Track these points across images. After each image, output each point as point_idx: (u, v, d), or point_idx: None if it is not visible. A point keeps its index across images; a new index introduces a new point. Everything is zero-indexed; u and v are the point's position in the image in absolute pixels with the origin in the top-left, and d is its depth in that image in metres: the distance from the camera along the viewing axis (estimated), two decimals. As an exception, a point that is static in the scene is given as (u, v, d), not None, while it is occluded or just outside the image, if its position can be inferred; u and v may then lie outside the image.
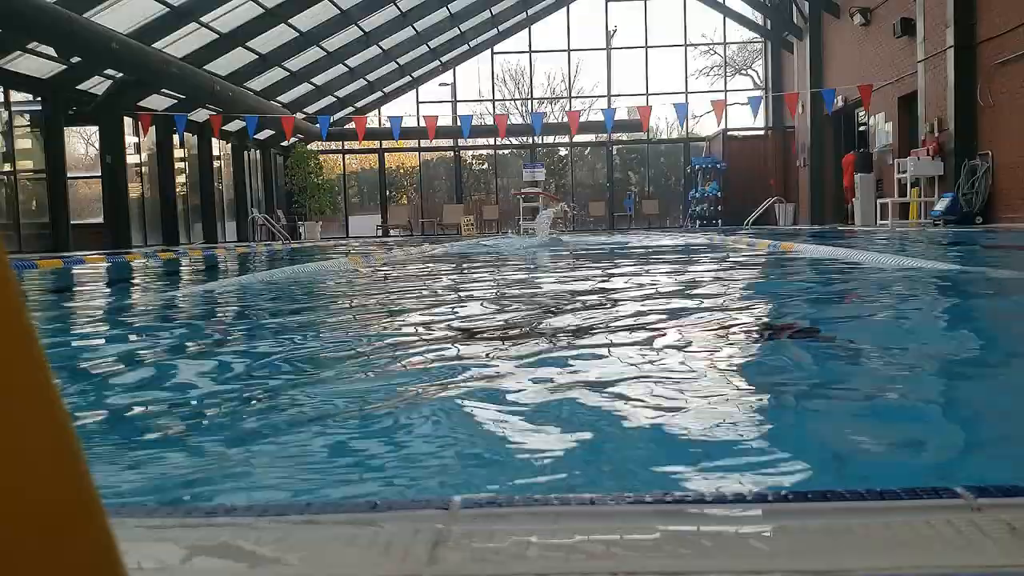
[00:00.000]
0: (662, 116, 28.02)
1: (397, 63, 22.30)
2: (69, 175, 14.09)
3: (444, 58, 23.91)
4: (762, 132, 23.40)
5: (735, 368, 2.25)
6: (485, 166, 26.79)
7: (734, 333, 2.88)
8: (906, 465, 1.42)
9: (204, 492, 1.32)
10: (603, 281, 5.35)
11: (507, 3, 22.33)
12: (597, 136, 25.99)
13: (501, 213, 24.74)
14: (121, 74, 13.68)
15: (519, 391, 1.94)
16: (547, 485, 1.29)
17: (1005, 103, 12.08)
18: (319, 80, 20.64)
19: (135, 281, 7.73)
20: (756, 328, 3.08)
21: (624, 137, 26.58)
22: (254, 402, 2.00)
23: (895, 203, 14.66)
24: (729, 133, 23.40)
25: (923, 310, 3.73)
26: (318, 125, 19.06)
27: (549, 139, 27.13)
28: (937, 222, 12.94)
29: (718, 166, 22.80)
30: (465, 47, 23.95)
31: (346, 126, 23.04)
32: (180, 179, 18.28)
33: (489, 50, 24.73)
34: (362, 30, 18.58)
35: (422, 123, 20.90)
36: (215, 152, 19.72)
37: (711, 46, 26.34)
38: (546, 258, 8.90)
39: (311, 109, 21.77)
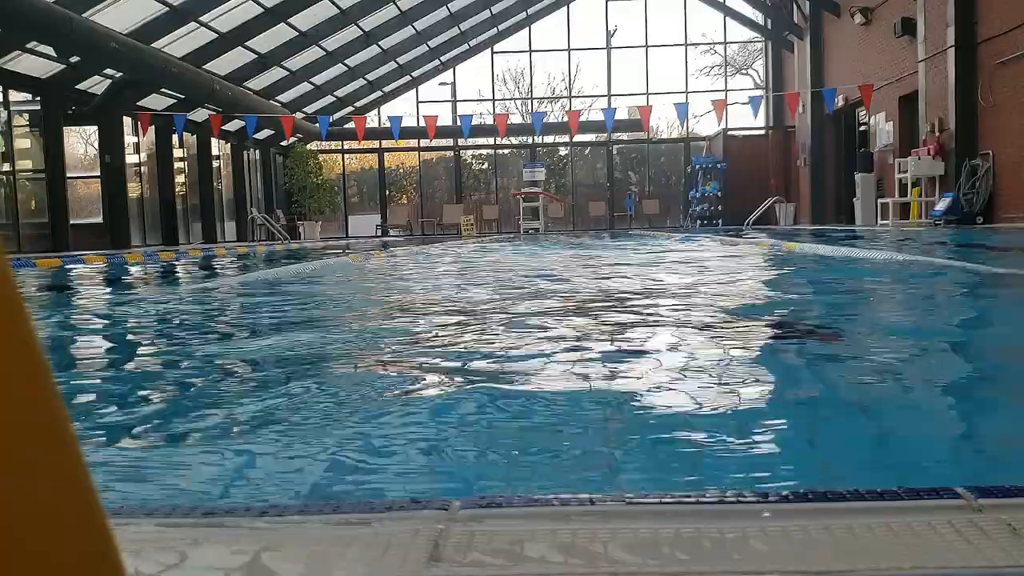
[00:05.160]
0: (662, 116, 28.02)
1: (397, 63, 22.28)
2: (68, 175, 14.07)
3: (444, 57, 23.89)
4: (762, 132, 23.38)
5: (737, 368, 2.25)
6: (485, 166, 26.77)
7: (742, 332, 2.88)
8: (907, 465, 1.42)
9: (202, 492, 1.32)
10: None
11: (507, 3, 22.31)
12: (597, 136, 25.97)
13: (501, 213, 24.75)
14: (120, 74, 13.67)
15: (513, 389, 1.93)
16: (546, 485, 1.29)
17: (1006, 103, 12.08)
18: (319, 80, 20.63)
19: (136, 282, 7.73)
20: (768, 328, 3.08)
21: (624, 137, 26.56)
22: (252, 401, 2.00)
23: (896, 203, 14.66)
24: (729, 133, 23.38)
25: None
26: (318, 125, 19.05)
27: (549, 139, 27.10)
28: (938, 222, 12.93)
29: (718, 166, 22.78)
30: (465, 46, 23.93)
31: (346, 126, 23.02)
32: (180, 179, 18.27)
33: (489, 50, 24.72)
34: (362, 30, 18.57)
35: (422, 123, 20.88)
36: (215, 152, 19.70)
37: (711, 45, 26.32)
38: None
39: (311, 109, 21.75)
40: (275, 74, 18.79)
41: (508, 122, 21.88)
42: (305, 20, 16.55)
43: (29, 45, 12.21)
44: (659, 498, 0.91)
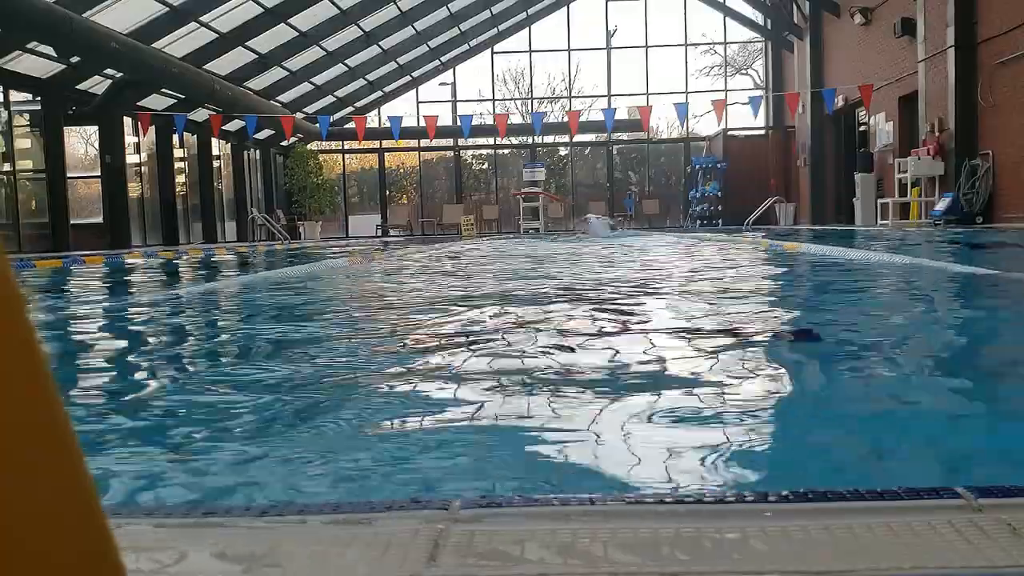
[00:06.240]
0: (662, 116, 28.02)
1: (397, 63, 22.29)
2: (69, 175, 14.07)
3: (444, 58, 23.90)
4: (762, 132, 23.38)
5: (735, 369, 2.25)
6: (485, 166, 26.77)
7: (738, 335, 2.88)
8: (907, 465, 1.42)
9: (201, 492, 1.32)
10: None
11: (507, 3, 22.31)
12: (597, 136, 25.97)
13: (501, 213, 24.76)
14: (121, 74, 13.67)
15: (510, 388, 1.93)
16: (546, 485, 1.28)
17: (1006, 103, 12.07)
18: (319, 80, 20.63)
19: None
20: (762, 331, 3.08)
21: (624, 137, 26.56)
22: (253, 401, 2.00)
23: (895, 203, 14.66)
24: (729, 133, 23.38)
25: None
26: (318, 125, 19.05)
27: (549, 139, 27.11)
28: (937, 222, 12.93)
29: (718, 166, 22.78)
30: (465, 47, 23.93)
31: (346, 126, 23.03)
32: (180, 179, 18.27)
33: (489, 50, 24.72)
34: (362, 30, 18.57)
35: (422, 123, 20.89)
36: (215, 152, 19.71)
37: (711, 46, 26.33)
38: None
39: (311, 109, 21.75)
40: (275, 74, 18.80)
41: (508, 122, 21.89)
42: (305, 20, 16.55)
43: (29, 45, 12.22)
44: (659, 498, 0.91)
